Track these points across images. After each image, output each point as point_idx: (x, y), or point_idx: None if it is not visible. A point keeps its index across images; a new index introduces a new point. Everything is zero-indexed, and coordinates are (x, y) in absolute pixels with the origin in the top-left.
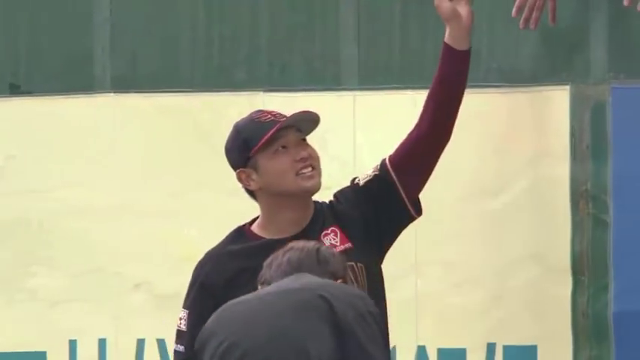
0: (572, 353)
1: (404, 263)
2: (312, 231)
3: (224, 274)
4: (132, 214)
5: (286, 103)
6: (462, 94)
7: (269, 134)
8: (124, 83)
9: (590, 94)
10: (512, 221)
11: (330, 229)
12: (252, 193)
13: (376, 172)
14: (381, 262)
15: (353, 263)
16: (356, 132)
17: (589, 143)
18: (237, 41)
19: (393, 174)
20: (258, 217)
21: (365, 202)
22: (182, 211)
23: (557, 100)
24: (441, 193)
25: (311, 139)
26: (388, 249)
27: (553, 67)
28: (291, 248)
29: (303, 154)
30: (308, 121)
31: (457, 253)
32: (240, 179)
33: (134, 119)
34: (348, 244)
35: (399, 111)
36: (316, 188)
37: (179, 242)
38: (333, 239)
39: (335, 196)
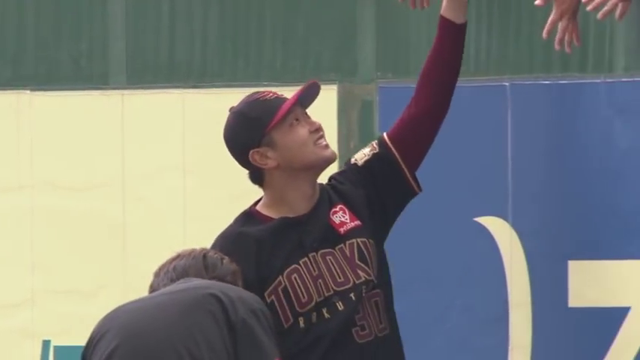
0: None
1: None
2: (322, 209)
3: (251, 255)
4: None
5: (53, 103)
6: (460, 66)
7: (286, 107)
8: None
9: (357, 94)
10: None
11: (338, 207)
12: (258, 177)
13: (375, 151)
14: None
15: (366, 240)
16: (124, 131)
17: (356, 143)
18: (2, 39)
19: (394, 150)
20: (259, 201)
21: (366, 181)
22: None
23: (325, 100)
24: (210, 191)
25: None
26: (391, 228)
27: (320, 67)
28: (179, 256)
29: (317, 124)
30: (312, 94)
31: None
32: (254, 160)
33: None
34: (357, 222)
35: (167, 110)
36: (334, 157)
37: None
38: (342, 217)
39: (333, 177)
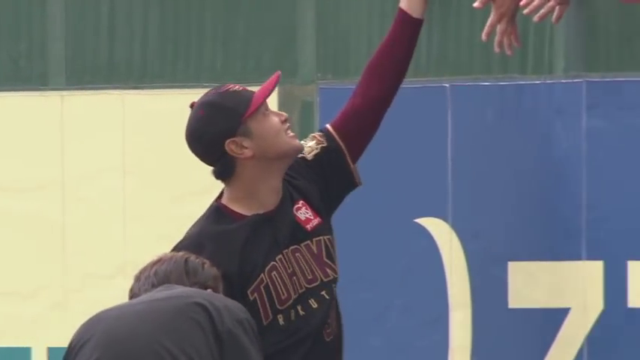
0: None
1: (112, 263)
2: (286, 204)
3: (235, 254)
4: None
5: None
6: (410, 61)
7: (262, 96)
8: None
9: (298, 95)
10: None
11: (300, 203)
12: (229, 170)
13: (323, 144)
14: None
15: (330, 236)
16: (64, 132)
17: None
18: None
19: (341, 143)
20: (222, 196)
21: (317, 176)
22: None
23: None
24: (150, 193)
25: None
26: None
27: (260, 68)
28: (160, 260)
29: (284, 115)
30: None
31: None
32: (230, 150)
33: None
34: (319, 218)
35: (107, 111)
36: (302, 147)
37: None
38: (306, 213)
39: (285, 173)
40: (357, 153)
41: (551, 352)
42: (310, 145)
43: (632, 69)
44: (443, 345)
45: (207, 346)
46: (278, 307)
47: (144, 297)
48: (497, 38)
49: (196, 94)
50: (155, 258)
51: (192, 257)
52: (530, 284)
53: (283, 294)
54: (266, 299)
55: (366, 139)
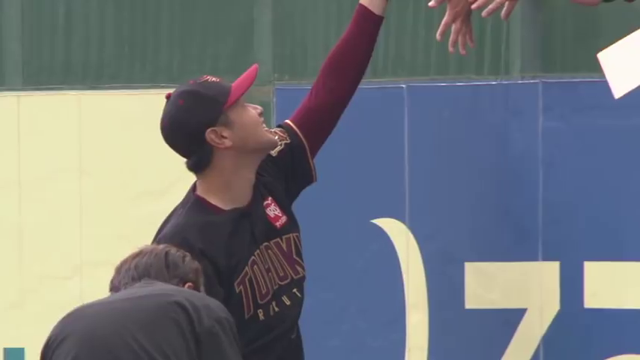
0: None
1: (68, 264)
2: (258, 200)
3: (222, 246)
4: None
5: None
6: (369, 58)
7: (245, 86)
8: None
9: (255, 95)
10: None
11: (269, 199)
12: (206, 161)
13: (286, 141)
14: None
15: (297, 234)
16: (20, 132)
17: None
18: None
19: (303, 140)
20: (196, 188)
21: (282, 172)
22: None
23: None
24: (106, 193)
25: None
26: None
27: (217, 69)
28: (140, 252)
29: (260, 108)
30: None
31: (122, 254)
32: (210, 139)
33: None
34: (286, 216)
35: (63, 112)
36: (277, 143)
37: None
38: (275, 210)
39: None
40: (315, 149)
41: (508, 352)
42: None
43: (587, 70)
44: (400, 346)
45: (185, 346)
46: (259, 301)
47: (124, 293)
48: (451, 37)
49: (153, 95)
50: (136, 250)
51: (173, 250)
52: (486, 285)
53: (264, 288)
54: (250, 293)
55: (324, 136)
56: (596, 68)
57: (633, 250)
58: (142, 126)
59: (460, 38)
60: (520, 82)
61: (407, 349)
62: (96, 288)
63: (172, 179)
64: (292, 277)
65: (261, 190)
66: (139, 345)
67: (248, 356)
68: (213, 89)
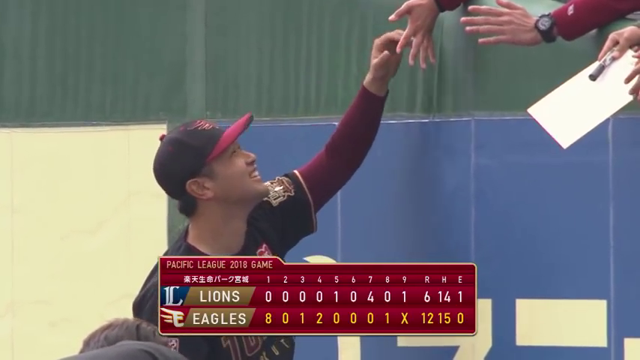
0: None
1: (0, 302)
2: (250, 247)
3: None
4: None
5: None
6: (377, 130)
7: (232, 137)
8: None
9: None
10: (108, 260)
11: (263, 247)
12: (190, 208)
13: (290, 193)
14: None
15: None
16: None
17: None
18: None
19: (309, 195)
20: (188, 233)
21: (279, 222)
22: None
23: (154, 139)
24: (38, 232)
25: None
26: None
27: (149, 107)
28: (110, 325)
29: (252, 156)
30: (247, 127)
31: (54, 292)
32: (191, 190)
33: None
34: None
35: None
36: (268, 192)
37: None
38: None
39: (250, 215)
40: (320, 204)
41: None
42: (277, 191)
43: (517, 108)
44: None
45: None
46: (247, 353)
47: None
48: (412, 51)
49: (84, 133)
50: (105, 323)
51: (144, 324)
52: None
53: (252, 341)
54: (237, 346)
55: (332, 194)
56: (528, 107)
57: (565, 287)
58: (74, 164)
59: (421, 52)
60: (452, 119)
61: None
62: (27, 327)
63: (105, 217)
64: None
65: (255, 236)
66: None
67: None
68: (200, 139)
